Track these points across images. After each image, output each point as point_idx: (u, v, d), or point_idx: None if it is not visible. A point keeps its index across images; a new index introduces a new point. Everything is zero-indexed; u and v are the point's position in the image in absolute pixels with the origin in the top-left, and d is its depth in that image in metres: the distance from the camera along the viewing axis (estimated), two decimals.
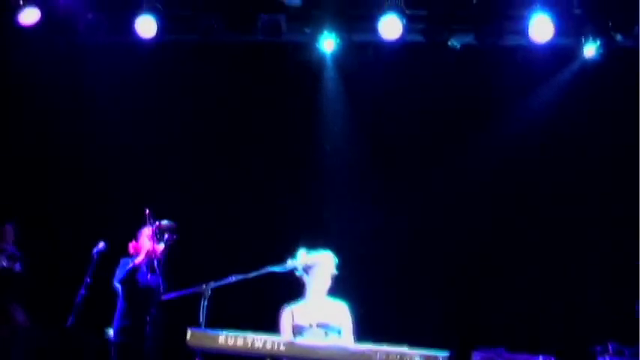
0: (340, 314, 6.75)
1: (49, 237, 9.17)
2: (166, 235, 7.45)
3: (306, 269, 6.70)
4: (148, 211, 7.42)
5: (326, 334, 6.67)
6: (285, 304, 6.69)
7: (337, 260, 6.71)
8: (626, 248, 8.35)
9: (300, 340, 6.33)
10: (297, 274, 6.74)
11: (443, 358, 6.14)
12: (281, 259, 6.62)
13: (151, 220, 7.42)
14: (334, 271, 6.72)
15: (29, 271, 8.21)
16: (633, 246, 8.28)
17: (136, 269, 7.45)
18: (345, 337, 6.71)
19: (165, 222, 7.50)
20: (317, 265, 6.68)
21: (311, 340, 6.54)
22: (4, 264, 7.90)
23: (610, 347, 7.22)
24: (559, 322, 8.58)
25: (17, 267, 7.96)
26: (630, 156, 8.76)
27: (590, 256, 8.80)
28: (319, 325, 6.68)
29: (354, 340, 6.69)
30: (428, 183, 9.26)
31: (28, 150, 9.50)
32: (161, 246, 7.48)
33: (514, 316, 8.67)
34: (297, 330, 6.69)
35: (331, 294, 6.79)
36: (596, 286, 8.54)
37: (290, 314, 6.76)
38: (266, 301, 7.24)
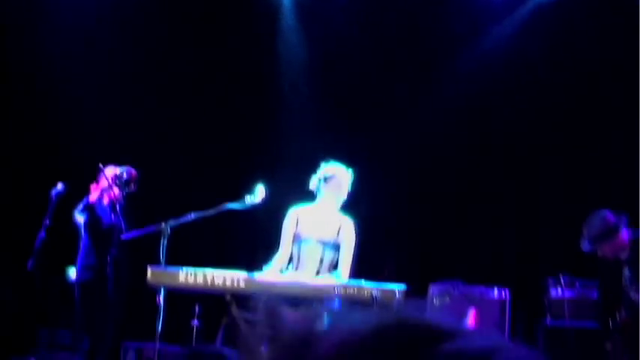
0: (344, 230, 6.69)
1: (6, 180, 9.11)
2: (127, 187, 7.44)
3: (326, 179, 6.66)
4: (101, 166, 7.39)
5: (323, 250, 6.68)
6: (241, 206, 6.63)
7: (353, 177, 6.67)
8: (577, 185, 8.50)
9: (259, 276, 6.40)
10: (316, 183, 6.69)
11: (400, 291, 6.26)
12: (239, 196, 6.66)
13: (103, 176, 7.39)
14: (349, 188, 6.69)
15: None
16: (584, 183, 8.45)
17: (91, 205, 7.43)
18: (343, 254, 6.69)
19: (125, 173, 7.46)
20: (336, 177, 6.65)
21: (304, 257, 6.58)
22: None
23: (562, 279, 7.39)
24: (514, 256, 8.73)
25: None
26: (586, 95, 8.86)
27: (543, 192, 8.93)
28: (319, 241, 6.68)
29: (353, 258, 6.68)
30: (386, 121, 9.30)
31: None
32: (120, 191, 7.46)
33: (471, 251, 8.80)
34: (297, 240, 6.67)
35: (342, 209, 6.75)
36: (549, 222, 8.68)
37: (295, 218, 6.72)
38: (225, 238, 7.33)
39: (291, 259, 6.69)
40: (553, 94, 8.99)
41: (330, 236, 6.66)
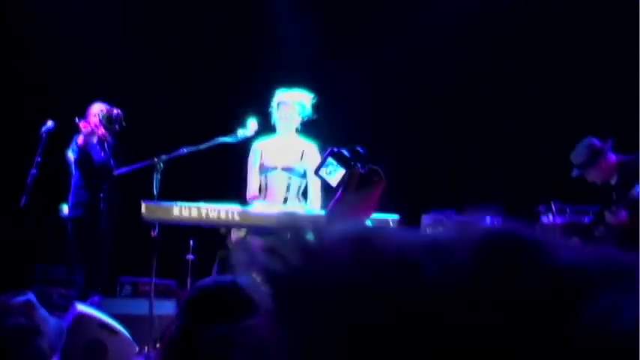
0: (307, 155, 6.68)
1: None
2: (111, 126, 7.40)
3: (278, 105, 6.63)
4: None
5: (289, 178, 6.71)
6: (234, 140, 6.65)
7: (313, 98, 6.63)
8: (569, 112, 8.52)
9: (253, 209, 6.43)
10: (271, 111, 6.67)
11: (393, 221, 6.31)
12: (232, 130, 6.65)
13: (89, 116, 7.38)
14: (307, 112, 6.65)
15: None
16: (573, 111, 8.46)
17: (82, 145, 7.42)
18: (311, 181, 6.69)
19: (107, 113, 7.41)
20: (287, 103, 6.61)
21: (271, 186, 6.61)
22: None
23: (553, 206, 7.45)
24: (505, 184, 8.77)
25: None
26: (574, 24, 8.82)
27: (533, 119, 8.94)
28: (284, 169, 6.70)
29: (320, 186, 6.65)
30: (380, 43, 9.22)
31: None
32: (105, 131, 7.44)
33: (462, 181, 8.85)
34: (263, 170, 6.70)
35: (303, 134, 6.74)
36: (539, 149, 8.71)
37: (259, 150, 6.72)
38: (218, 172, 7.33)
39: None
40: (543, 22, 8.95)
41: (293, 163, 6.66)
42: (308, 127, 6.73)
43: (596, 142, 6.44)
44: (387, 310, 0.61)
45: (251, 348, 0.67)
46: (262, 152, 6.70)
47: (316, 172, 2.59)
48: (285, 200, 6.64)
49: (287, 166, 6.66)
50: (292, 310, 0.65)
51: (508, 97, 8.98)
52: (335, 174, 2.57)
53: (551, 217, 7.46)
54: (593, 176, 6.45)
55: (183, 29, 9.36)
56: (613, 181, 6.42)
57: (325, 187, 6.44)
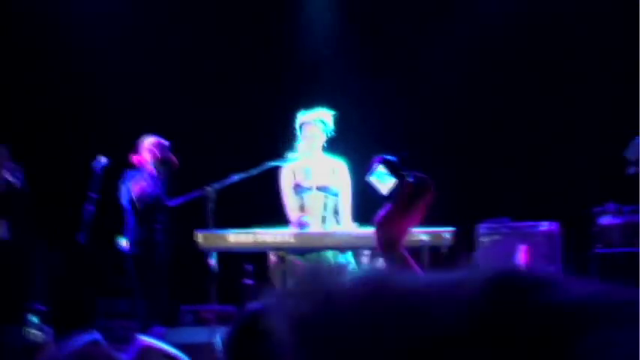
0: (339, 175, 6.73)
1: (48, 155, 9.22)
2: (167, 167, 7.50)
3: (300, 128, 6.67)
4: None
5: (325, 197, 6.74)
6: (283, 163, 6.68)
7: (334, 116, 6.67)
8: (618, 113, 8.40)
9: (307, 231, 6.46)
10: (295, 134, 6.71)
11: (449, 233, 6.29)
12: (280, 154, 6.70)
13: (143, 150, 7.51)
14: (329, 128, 6.69)
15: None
16: (626, 111, 8.34)
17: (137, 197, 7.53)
18: (343, 199, 6.73)
19: (164, 158, 7.51)
20: (308, 124, 6.64)
21: (308, 208, 6.63)
22: (10, 179, 7.89)
23: (610, 207, 7.36)
24: (560, 189, 8.67)
25: (19, 183, 7.96)
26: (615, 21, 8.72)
27: (583, 122, 8.84)
28: (319, 188, 6.74)
29: (351, 201, 6.73)
30: (418, 56, 9.21)
31: (23, 63, 9.48)
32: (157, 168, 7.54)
33: (516, 188, 8.76)
34: (299, 190, 6.73)
35: (329, 151, 6.78)
36: (592, 152, 8.60)
37: (291, 173, 6.76)
38: (270, 196, 7.35)
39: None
40: (585, 22, 8.86)
41: (326, 181, 6.70)
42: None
43: None
44: (398, 355, 0.65)
45: None
46: (295, 174, 6.73)
47: (367, 178, 2.59)
48: (324, 219, 6.67)
49: (322, 185, 6.69)
50: (312, 348, 0.69)
51: (554, 99, 8.88)
52: (385, 182, 2.57)
53: (608, 218, 7.37)
54: None
55: (225, 57, 9.44)
56: None
57: (357, 202, 6.51)
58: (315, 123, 6.62)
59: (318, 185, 6.70)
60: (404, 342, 0.65)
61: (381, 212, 2.40)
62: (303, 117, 6.67)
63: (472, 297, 0.66)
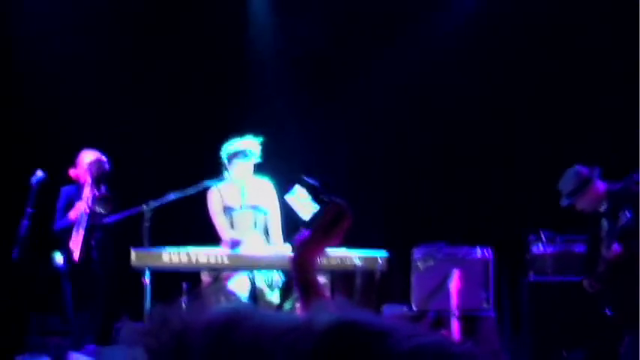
0: (266, 194, 6.84)
1: None
2: (100, 180, 7.45)
3: (229, 157, 6.73)
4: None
5: (255, 215, 6.79)
6: (219, 183, 6.74)
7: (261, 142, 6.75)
8: (554, 143, 8.55)
9: (241, 251, 6.47)
10: (223, 160, 6.78)
11: (382, 258, 6.34)
12: (217, 173, 6.71)
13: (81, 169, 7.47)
14: (257, 157, 6.77)
15: None
16: (561, 141, 8.50)
17: (71, 225, 7.46)
18: (272, 217, 6.84)
19: (101, 170, 7.46)
20: (240, 154, 6.73)
21: (238, 226, 6.65)
22: None
23: (543, 235, 7.47)
24: (495, 215, 8.78)
25: None
26: (562, 53, 8.88)
27: (520, 151, 8.97)
28: (248, 206, 6.79)
29: (280, 219, 6.82)
30: (361, 82, 9.27)
31: None
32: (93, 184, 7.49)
33: (451, 213, 8.85)
34: (228, 211, 6.79)
35: (257, 171, 6.88)
36: (527, 180, 8.73)
37: (219, 194, 6.82)
38: (207, 216, 7.34)
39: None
40: (529, 53, 9.00)
41: (255, 201, 6.81)
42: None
43: (583, 170, 6.48)
44: None
45: None
46: (222, 195, 6.79)
47: (285, 197, 2.62)
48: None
49: (251, 204, 6.76)
50: None
51: (495, 127, 9.00)
52: (304, 204, 2.60)
53: (541, 246, 7.47)
54: (582, 204, 6.48)
55: (168, 76, 9.41)
56: (602, 209, 6.45)
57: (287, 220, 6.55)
58: (243, 157, 6.65)
59: (247, 204, 6.75)
60: None
61: (299, 236, 2.43)
62: (231, 147, 6.72)
63: (304, 349, 0.69)
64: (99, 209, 7.32)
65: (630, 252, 6.17)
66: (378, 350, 0.70)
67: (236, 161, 6.72)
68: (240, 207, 6.78)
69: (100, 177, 7.42)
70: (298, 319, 0.75)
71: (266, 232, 6.85)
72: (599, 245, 6.50)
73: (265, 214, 6.82)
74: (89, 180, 7.43)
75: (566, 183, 6.47)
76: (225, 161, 6.77)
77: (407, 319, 7.06)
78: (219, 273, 6.54)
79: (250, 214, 6.79)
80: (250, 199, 6.79)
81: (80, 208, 7.40)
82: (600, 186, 6.42)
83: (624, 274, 6.21)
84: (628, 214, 6.21)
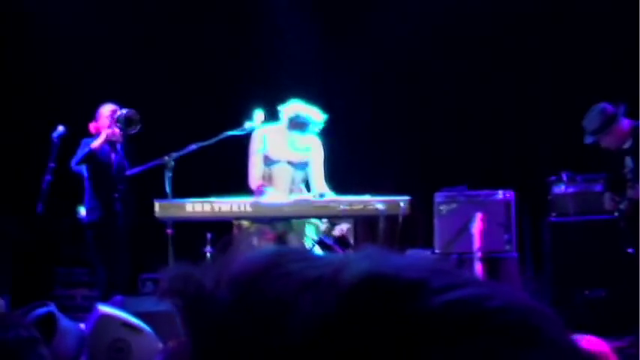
0: (312, 150, 6.76)
1: (4, 124, 9.13)
2: (128, 128, 7.45)
3: (291, 118, 6.58)
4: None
5: (294, 171, 6.76)
6: (241, 132, 6.69)
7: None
8: (572, 82, 8.49)
9: (264, 200, 6.50)
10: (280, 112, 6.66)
11: (404, 202, 6.36)
12: (238, 123, 6.71)
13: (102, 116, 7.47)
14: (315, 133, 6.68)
15: None
16: (579, 80, 8.43)
17: (92, 153, 7.48)
18: (314, 173, 6.78)
19: (125, 112, 7.46)
20: (303, 125, 6.60)
21: (275, 178, 6.65)
22: None
23: (564, 176, 7.47)
24: (515, 157, 8.78)
25: None
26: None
27: (539, 91, 8.91)
28: (289, 162, 6.75)
29: (325, 175, 6.78)
30: (379, 23, 9.21)
31: None
32: (120, 131, 7.49)
33: (472, 156, 8.84)
34: (268, 162, 6.73)
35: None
36: (546, 121, 8.69)
37: (262, 139, 6.73)
38: (229, 165, 7.38)
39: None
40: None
41: (298, 157, 6.73)
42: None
43: (608, 107, 6.44)
44: (262, 348, 0.68)
45: None
46: (267, 141, 6.72)
47: None
48: (291, 192, 6.71)
49: (292, 160, 6.71)
50: (194, 332, 0.73)
51: (512, 67, 8.93)
52: None
53: (562, 186, 7.47)
54: (607, 142, 6.46)
55: (186, 29, 9.37)
56: (627, 145, 6.42)
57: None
58: (303, 129, 6.58)
59: (288, 159, 6.71)
60: (268, 338, 0.68)
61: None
62: (297, 109, 6.57)
63: (329, 304, 0.68)
64: (125, 130, 7.36)
65: None
66: (410, 307, 0.67)
67: (297, 125, 6.55)
68: (280, 161, 6.72)
69: (128, 127, 7.44)
70: (328, 268, 0.71)
71: (306, 186, 6.81)
72: (622, 184, 6.50)
73: (306, 170, 6.78)
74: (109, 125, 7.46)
75: (592, 121, 6.44)
76: (284, 113, 6.58)
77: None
78: (251, 223, 6.54)
79: (289, 170, 6.74)
80: (292, 154, 6.72)
81: (102, 138, 7.43)
82: (625, 123, 6.39)
83: None
84: (631, 157, 6.19)
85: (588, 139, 6.45)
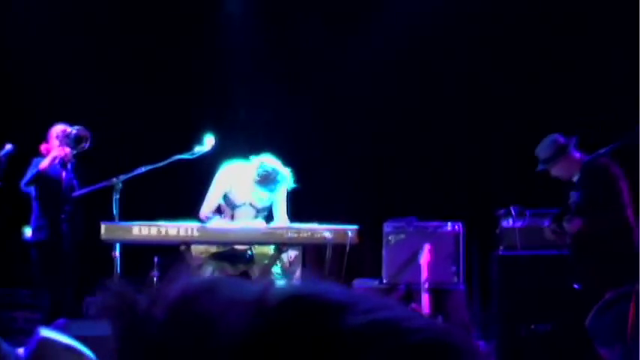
0: (278, 193, 6.66)
1: None
2: (78, 145, 7.40)
3: (264, 175, 6.46)
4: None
5: (257, 211, 6.72)
6: (191, 156, 6.64)
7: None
8: (526, 118, 8.58)
9: (211, 225, 6.46)
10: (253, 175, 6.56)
11: (352, 231, 6.37)
12: (189, 147, 6.68)
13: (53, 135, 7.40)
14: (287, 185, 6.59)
15: None
16: (533, 116, 8.52)
17: (41, 173, 7.40)
18: (278, 208, 6.72)
19: (75, 130, 7.41)
20: (270, 176, 6.46)
21: (238, 218, 6.62)
22: None
23: (513, 210, 7.52)
24: (465, 190, 8.83)
25: None
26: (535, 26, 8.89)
27: (492, 126, 8.99)
28: (252, 205, 6.71)
29: (287, 210, 6.74)
30: (332, 59, 9.26)
31: None
32: (71, 150, 7.43)
33: (422, 188, 8.88)
34: (231, 204, 6.68)
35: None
36: (498, 156, 8.78)
37: (229, 178, 6.65)
38: (178, 189, 7.34)
39: (219, 212, 6.69)
40: (498, 26, 9.00)
41: (262, 203, 6.69)
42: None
43: (560, 138, 6.54)
44: None
45: None
46: (232, 184, 6.65)
47: None
48: None
49: (256, 205, 6.66)
50: (126, 348, 0.72)
51: (466, 100, 9.01)
52: None
53: (510, 220, 7.52)
54: (557, 172, 6.54)
55: (139, 50, 9.34)
56: (575, 179, 6.49)
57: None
58: (272, 187, 6.50)
59: (252, 202, 6.65)
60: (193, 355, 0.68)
61: None
62: (266, 169, 6.45)
63: (254, 320, 0.70)
64: (76, 148, 7.30)
65: (590, 228, 6.22)
66: (331, 325, 0.69)
67: (265, 182, 6.45)
68: (244, 203, 6.67)
69: (78, 145, 7.38)
70: (256, 290, 0.72)
71: (269, 217, 6.76)
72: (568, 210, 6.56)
73: (269, 207, 6.72)
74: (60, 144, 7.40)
75: (543, 149, 6.55)
76: (254, 174, 6.46)
77: (377, 292, 7.11)
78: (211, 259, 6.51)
79: (252, 212, 6.68)
80: (257, 200, 6.64)
81: (50, 157, 7.36)
82: (576, 155, 6.47)
83: (587, 249, 6.28)
84: (576, 191, 6.27)
85: (540, 167, 6.55)
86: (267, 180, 6.42)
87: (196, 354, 0.70)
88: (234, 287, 0.76)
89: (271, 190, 6.49)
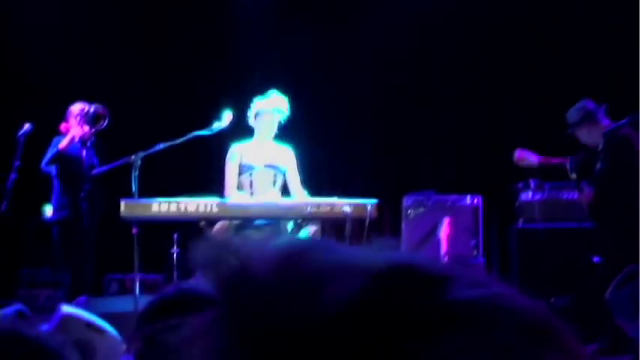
0: (286, 157, 6.78)
1: None
2: (96, 123, 7.43)
3: (257, 115, 6.67)
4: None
5: (275, 175, 6.76)
6: (209, 133, 6.70)
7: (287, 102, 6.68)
8: (544, 88, 8.53)
9: (231, 201, 6.47)
10: (249, 121, 6.73)
11: (371, 206, 6.36)
12: (206, 123, 6.68)
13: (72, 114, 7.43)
14: (285, 115, 6.71)
15: None
16: (552, 83, 8.48)
17: (61, 153, 7.43)
18: (291, 178, 6.78)
19: (93, 109, 7.44)
20: (265, 112, 6.64)
21: (257, 185, 6.65)
22: None
23: (532, 183, 7.50)
24: (485, 163, 8.80)
25: None
26: None
27: (511, 97, 8.94)
28: (267, 166, 6.75)
29: (301, 182, 6.79)
30: (350, 27, 9.21)
31: None
32: (89, 128, 7.46)
33: (441, 161, 8.86)
34: (247, 168, 6.72)
35: (277, 139, 6.83)
36: (518, 129, 8.73)
37: (238, 154, 6.75)
38: (197, 165, 7.35)
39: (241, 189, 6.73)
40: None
41: (275, 161, 6.74)
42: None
43: (590, 103, 6.53)
44: (292, 322, 0.68)
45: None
46: (242, 155, 6.72)
47: None
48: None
49: (270, 163, 6.69)
50: (231, 303, 0.73)
51: (483, 71, 8.96)
52: None
53: (529, 193, 7.50)
54: (583, 137, 6.54)
55: (155, 28, 9.34)
56: (600, 147, 6.46)
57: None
58: (274, 112, 6.60)
59: (266, 163, 6.69)
60: (297, 321, 0.68)
61: None
62: (260, 104, 6.64)
63: (361, 286, 0.69)
64: (94, 126, 7.34)
65: (602, 199, 6.22)
66: (436, 297, 0.69)
67: (267, 118, 6.60)
68: (259, 165, 6.71)
69: (96, 123, 7.41)
70: (361, 255, 0.73)
71: (285, 191, 6.80)
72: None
73: (284, 173, 6.77)
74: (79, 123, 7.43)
75: (572, 113, 6.55)
76: (253, 118, 6.65)
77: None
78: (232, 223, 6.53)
79: (270, 172, 6.73)
80: (270, 159, 6.70)
81: (69, 137, 7.39)
82: (604, 122, 6.44)
83: (606, 221, 6.27)
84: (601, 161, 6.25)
85: (569, 131, 6.57)
86: (279, 101, 6.58)
87: (299, 313, 0.70)
88: (338, 250, 0.77)
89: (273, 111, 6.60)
